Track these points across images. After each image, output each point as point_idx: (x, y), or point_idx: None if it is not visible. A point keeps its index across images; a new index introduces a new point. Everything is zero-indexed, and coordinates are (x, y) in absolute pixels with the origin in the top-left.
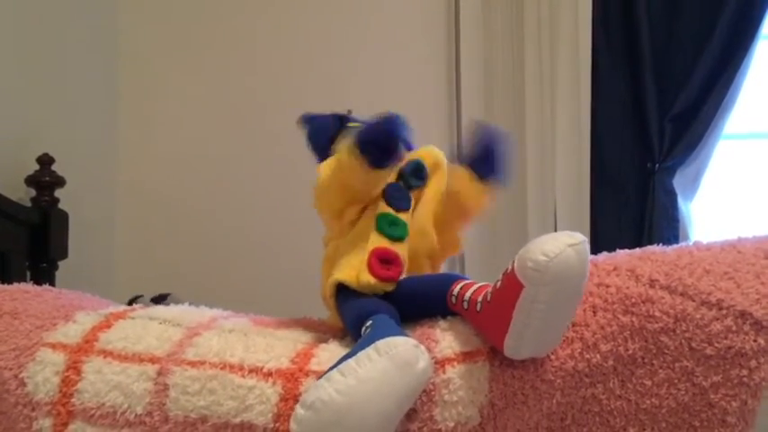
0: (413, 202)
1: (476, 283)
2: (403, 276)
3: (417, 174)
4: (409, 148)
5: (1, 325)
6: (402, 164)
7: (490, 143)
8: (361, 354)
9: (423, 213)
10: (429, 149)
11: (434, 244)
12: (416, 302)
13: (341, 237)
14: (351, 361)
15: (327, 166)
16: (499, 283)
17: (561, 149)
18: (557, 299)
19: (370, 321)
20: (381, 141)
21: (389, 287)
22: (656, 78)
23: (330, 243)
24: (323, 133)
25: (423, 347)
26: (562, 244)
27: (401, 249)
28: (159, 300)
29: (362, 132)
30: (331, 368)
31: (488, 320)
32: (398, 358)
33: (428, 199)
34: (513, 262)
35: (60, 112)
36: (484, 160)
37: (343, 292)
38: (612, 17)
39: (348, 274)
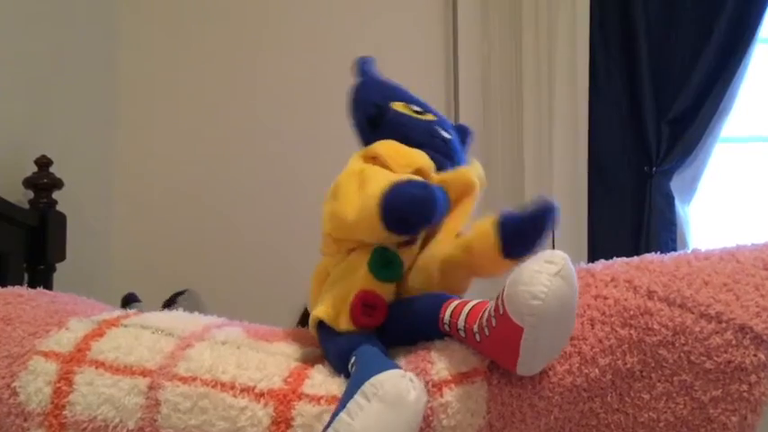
0: (423, 233)
1: (465, 305)
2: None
3: None
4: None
5: None
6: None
7: (536, 226)
8: (350, 404)
9: (433, 250)
10: (464, 174)
11: (434, 284)
12: (406, 331)
13: (332, 257)
14: (343, 415)
15: (349, 203)
16: (495, 322)
17: (558, 153)
18: (558, 329)
19: (354, 358)
20: (409, 219)
21: (368, 331)
22: (653, 81)
23: (323, 258)
24: (362, 113)
25: (411, 375)
26: (546, 277)
27: (389, 292)
28: (175, 297)
29: (392, 203)
30: (325, 427)
31: (492, 352)
32: (388, 397)
33: (446, 233)
34: (504, 302)
35: (58, 114)
36: (520, 240)
37: (324, 326)
38: (610, 20)
39: (328, 315)
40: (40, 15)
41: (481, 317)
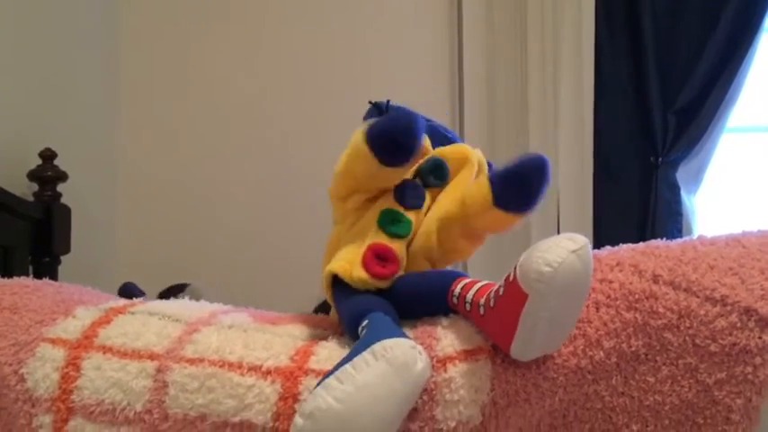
0: (429, 201)
1: (477, 282)
2: (400, 274)
3: (436, 172)
4: (445, 140)
5: (0, 320)
6: (422, 160)
7: (527, 175)
8: (357, 358)
9: (433, 211)
10: (462, 148)
11: (433, 245)
12: (416, 301)
13: (342, 222)
14: (347, 366)
15: (345, 152)
16: (502, 290)
17: (564, 143)
18: (563, 306)
19: (366, 321)
20: (393, 140)
21: (383, 284)
22: (659, 71)
23: (334, 227)
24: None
25: (420, 348)
26: (565, 251)
27: (399, 247)
28: (177, 290)
29: (374, 127)
30: (328, 374)
31: (493, 326)
32: (396, 361)
33: (445, 196)
34: (515, 269)
35: (62, 106)
36: (511, 189)
37: (339, 285)
38: (616, 10)
39: (342, 267)
40: (44, 10)
41: (490, 291)
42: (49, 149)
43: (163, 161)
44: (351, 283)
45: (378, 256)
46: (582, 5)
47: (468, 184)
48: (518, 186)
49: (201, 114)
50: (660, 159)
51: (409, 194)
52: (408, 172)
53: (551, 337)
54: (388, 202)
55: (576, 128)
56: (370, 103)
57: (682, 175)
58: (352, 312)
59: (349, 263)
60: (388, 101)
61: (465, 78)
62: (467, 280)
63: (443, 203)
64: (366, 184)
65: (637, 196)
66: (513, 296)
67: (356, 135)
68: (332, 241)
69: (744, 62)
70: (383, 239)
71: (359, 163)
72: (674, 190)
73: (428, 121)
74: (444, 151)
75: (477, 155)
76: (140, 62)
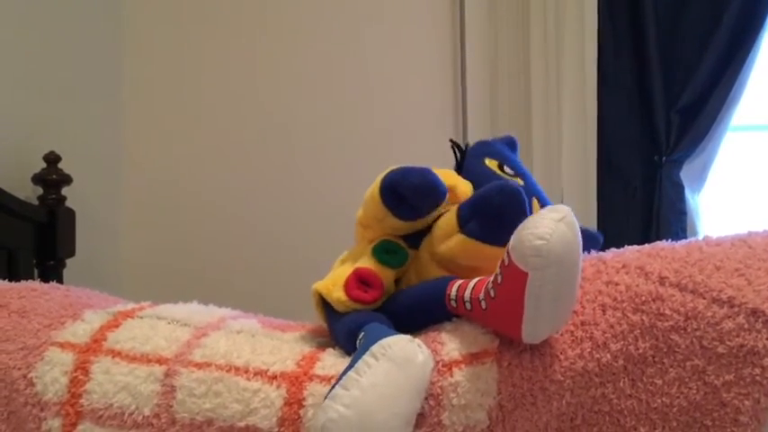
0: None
1: (470, 281)
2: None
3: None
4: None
5: (9, 324)
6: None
7: (491, 199)
8: (358, 363)
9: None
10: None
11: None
12: (415, 313)
13: (359, 243)
14: (351, 373)
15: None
16: (500, 278)
17: (568, 142)
18: (562, 276)
19: (362, 333)
20: (405, 195)
21: (363, 309)
22: (662, 70)
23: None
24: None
25: (418, 341)
26: (552, 222)
27: (387, 275)
28: None
29: (392, 175)
30: (333, 385)
31: (498, 316)
32: (396, 357)
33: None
34: (508, 254)
35: (66, 110)
36: (478, 214)
37: (330, 307)
38: (618, 9)
39: (326, 287)
40: (47, 13)
41: (487, 283)
42: (53, 153)
43: (167, 164)
44: (331, 303)
45: (362, 281)
46: (585, 4)
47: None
48: (483, 211)
49: (205, 117)
50: (664, 158)
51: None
52: (422, 223)
53: (558, 312)
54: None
55: (580, 127)
56: (450, 141)
57: (686, 173)
58: (348, 327)
59: (333, 283)
60: (467, 144)
61: (467, 78)
62: (459, 281)
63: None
64: (375, 225)
65: (641, 195)
66: (512, 279)
67: (382, 175)
68: (342, 258)
69: (747, 60)
70: (372, 265)
71: (372, 203)
72: (678, 189)
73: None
74: (457, 190)
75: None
76: (145, 65)
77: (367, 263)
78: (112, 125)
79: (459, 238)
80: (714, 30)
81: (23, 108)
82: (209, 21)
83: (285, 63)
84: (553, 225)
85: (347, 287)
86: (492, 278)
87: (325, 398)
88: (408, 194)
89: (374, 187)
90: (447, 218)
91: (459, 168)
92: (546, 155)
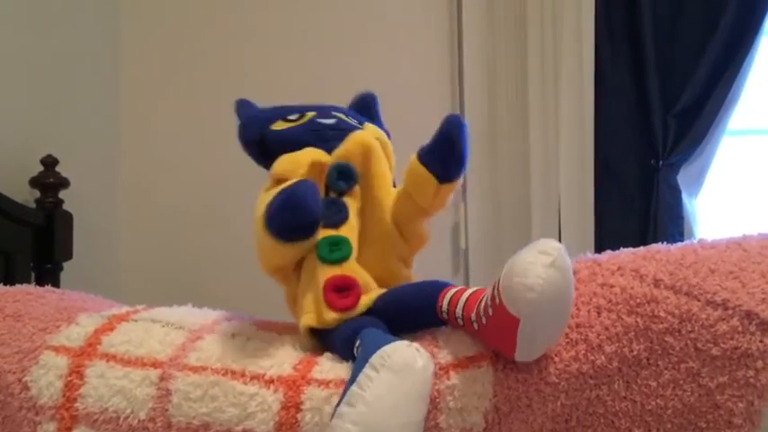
0: (356, 203)
1: (462, 293)
2: (368, 296)
3: (344, 176)
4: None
5: (4, 327)
6: (325, 171)
7: (448, 138)
8: (360, 377)
9: (377, 212)
10: (357, 138)
11: (402, 246)
12: (406, 320)
13: (289, 284)
14: (353, 388)
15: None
16: (491, 311)
17: (565, 146)
18: (554, 316)
19: (359, 340)
20: (290, 222)
21: (355, 313)
22: (659, 74)
23: (288, 295)
24: (252, 151)
25: (416, 344)
26: (541, 268)
27: (352, 270)
28: None
29: (269, 219)
30: (338, 403)
31: (490, 339)
32: (396, 365)
33: (379, 193)
34: (500, 293)
35: (64, 113)
36: (441, 160)
37: (319, 333)
38: (616, 12)
39: (313, 319)
40: (45, 16)
41: (478, 305)
42: (50, 156)
43: (164, 168)
44: (327, 327)
45: (337, 290)
46: (582, 8)
47: (388, 172)
48: (446, 152)
49: (203, 122)
50: (661, 162)
51: (330, 213)
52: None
53: (551, 340)
54: (319, 232)
55: (577, 131)
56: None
57: (683, 177)
58: (344, 338)
59: (315, 311)
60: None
61: (465, 81)
62: (452, 291)
63: (385, 201)
64: (277, 261)
65: (638, 199)
66: (503, 319)
67: (256, 223)
68: (288, 299)
69: (744, 64)
70: (334, 270)
71: (269, 249)
72: (676, 193)
73: (336, 110)
74: (339, 152)
75: (372, 133)
76: (142, 69)
77: (326, 272)
78: (110, 129)
79: (441, 188)
80: (711, 34)
81: (21, 111)
82: (206, 25)
83: (283, 65)
84: (543, 274)
85: (330, 303)
86: (483, 304)
87: (332, 417)
88: (290, 216)
89: (259, 235)
90: (413, 178)
91: (267, 154)
92: (543, 158)
